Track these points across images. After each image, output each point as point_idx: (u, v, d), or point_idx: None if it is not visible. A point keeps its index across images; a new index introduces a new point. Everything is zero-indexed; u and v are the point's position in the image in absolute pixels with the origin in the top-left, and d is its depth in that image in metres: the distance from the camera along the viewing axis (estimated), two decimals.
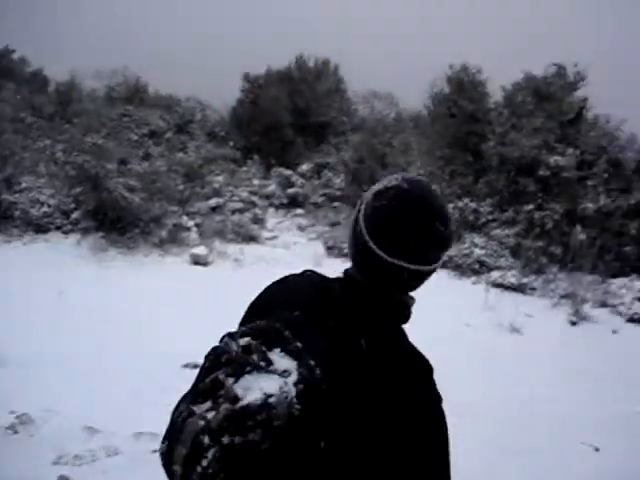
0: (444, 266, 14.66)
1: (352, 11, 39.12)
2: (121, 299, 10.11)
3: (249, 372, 1.14)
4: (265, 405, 1.10)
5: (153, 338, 8.35)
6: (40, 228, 13.93)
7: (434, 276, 1.56)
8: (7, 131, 19.86)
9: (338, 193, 18.51)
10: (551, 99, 16.30)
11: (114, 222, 13.61)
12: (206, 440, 1.09)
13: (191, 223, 14.61)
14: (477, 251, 14.69)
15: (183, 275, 12.31)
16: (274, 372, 1.15)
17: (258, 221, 16.06)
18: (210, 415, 1.11)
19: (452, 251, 14.81)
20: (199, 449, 1.09)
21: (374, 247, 1.38)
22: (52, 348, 7.49)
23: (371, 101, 24.11)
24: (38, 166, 16.30)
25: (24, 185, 14.75)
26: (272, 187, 18.60)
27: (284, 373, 1.15)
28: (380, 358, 1.30)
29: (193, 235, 14.24)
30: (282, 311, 1.34)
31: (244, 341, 1.20)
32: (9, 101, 22.91)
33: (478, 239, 15.13)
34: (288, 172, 19.24)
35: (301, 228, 17.05)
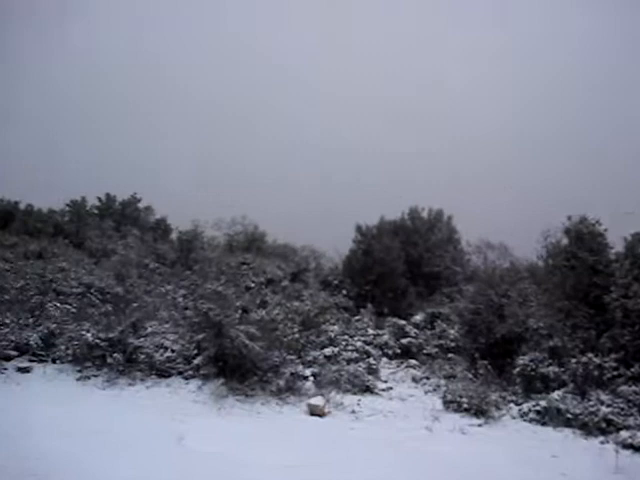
0: (568, 425, 13.86)
1: (461, 163, 39.98)
2: (239, 449, 10.08)
3: None
4: None
5: None
6: (162, 373, 14.35)
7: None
8: (132, 276, 21.11)
9: (452, 344, 18.17)
10: None
11: (234, 369, 13.83)
12: None
13: (307, 372, 14.68)
14: (603, 409, 13.86)
15: (300, 427, 12.12)
16: None
17: (372, 371, 15.89)
18: None
19: (577, 409, 14.04)
20: None
21: None
22: None
23: (484, 251, 24.03)
24: (160, 310, 17.04)
25: (149, 330, 15.39)
26: (385, 336, 18.52)
27: None
28: None
29: (309, 384, 14.25)
30: None
31: None
32: (134, 247, 24.48)
33: (604, 396, 14.32)
34: (402, 322, 19.19)
35: (415, 380, 16.69)
